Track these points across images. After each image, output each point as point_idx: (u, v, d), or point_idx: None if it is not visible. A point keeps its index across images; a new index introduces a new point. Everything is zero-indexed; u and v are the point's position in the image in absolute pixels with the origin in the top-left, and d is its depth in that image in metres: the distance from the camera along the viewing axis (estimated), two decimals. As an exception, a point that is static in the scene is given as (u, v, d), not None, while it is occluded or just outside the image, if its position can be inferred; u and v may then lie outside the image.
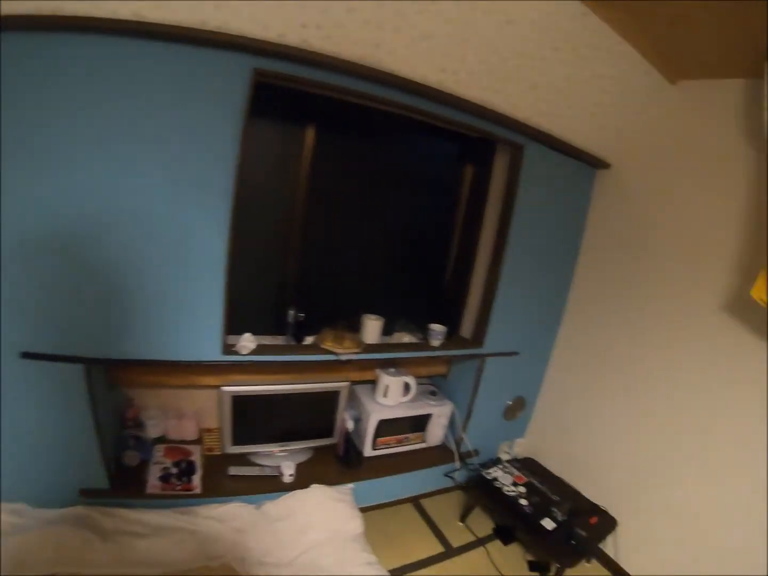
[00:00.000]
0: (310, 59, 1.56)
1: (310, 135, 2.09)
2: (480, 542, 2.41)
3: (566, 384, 2.71)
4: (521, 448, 2.92)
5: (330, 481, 2.18)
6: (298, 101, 1.87)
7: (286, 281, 2.25)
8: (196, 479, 2.02)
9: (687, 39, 1.76)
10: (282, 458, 2.23)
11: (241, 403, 2.06)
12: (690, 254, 2.12)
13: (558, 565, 2.12)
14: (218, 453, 2.19)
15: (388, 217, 2.44)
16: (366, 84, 1.72)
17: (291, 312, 2.12)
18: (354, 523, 2.06)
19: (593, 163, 2.43)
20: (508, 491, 2.35)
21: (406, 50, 1.64)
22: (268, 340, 2.08)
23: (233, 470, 2.13)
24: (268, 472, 2.17)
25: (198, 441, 2.23)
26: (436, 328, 2.33)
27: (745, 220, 1.93)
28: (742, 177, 1.94)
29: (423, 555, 2.26)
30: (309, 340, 2.11)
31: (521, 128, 2.08)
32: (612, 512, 2.36)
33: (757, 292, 1.62)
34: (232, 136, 1.58)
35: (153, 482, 1.95)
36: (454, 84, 1.80)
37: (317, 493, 2.10)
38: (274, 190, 2.13)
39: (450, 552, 2.32)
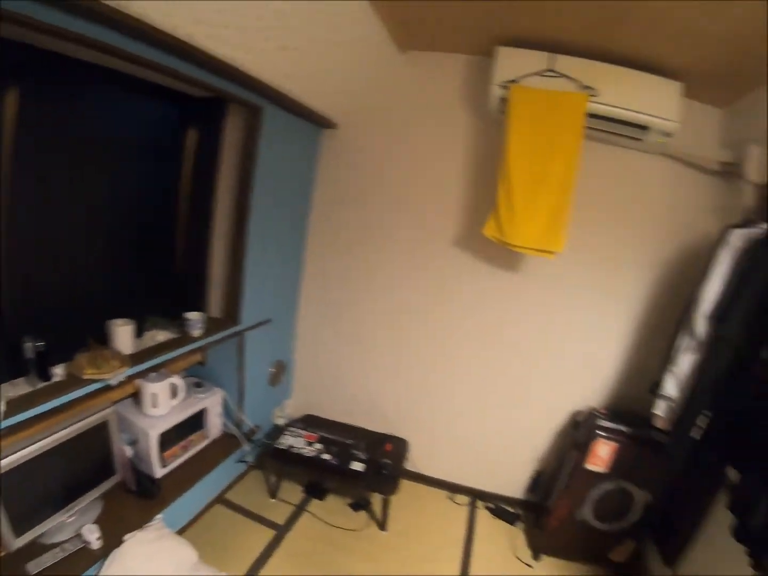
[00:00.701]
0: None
1: (11, 101, 1.54)
2: (300, 509, 2.48)
3: (320, 334, 2.86)
4: (292, 408, 2.98)
5: (137, 523, 1.85)
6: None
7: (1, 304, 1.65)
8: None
9: (422, 12, 1.95)
10: (76, 524, 1.76)
11: (5, 483, 1.50)
12: (418, 202, 2.53)
13: (382, 495, 2.39)
14: (4, 554, 1.56)
15: (107, 197, 1.96)
16: (107, 33, 1.34)
17: (28, 344, 1.61)
18: (186, 553, 1.87)
19: (324, 123, 2.48)
20: (308, 452, 2.43)
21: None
22: (7, 390, 1.54)
23: (33, 566, 1.57)
24: (72, 547, 1.68)
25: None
26: (193, 316, 2.15)
27: (468, 176, 2.43)
28: (465, 138, 2.41)
29: (260, 546, 2.22)
30: (59, 372, 1.66)
31: (263, 90, 1.96)
32: (400, 434, 2.74)
33: (489, 232, 2.13)
34: None
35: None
36: (206, 39, 1.56)
37: (133, 546, 1.76)
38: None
39: (281, 531, 2.33)
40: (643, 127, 1.98)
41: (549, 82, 1.96)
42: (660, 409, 1.87)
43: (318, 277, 2.80)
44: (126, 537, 1.78)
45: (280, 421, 2.85)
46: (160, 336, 2.09)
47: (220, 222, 2.28)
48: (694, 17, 1.55)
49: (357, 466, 2.40)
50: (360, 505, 2.54)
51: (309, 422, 2.77)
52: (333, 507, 2.53)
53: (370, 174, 2.59)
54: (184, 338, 2.11)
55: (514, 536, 2.52)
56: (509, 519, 2.61)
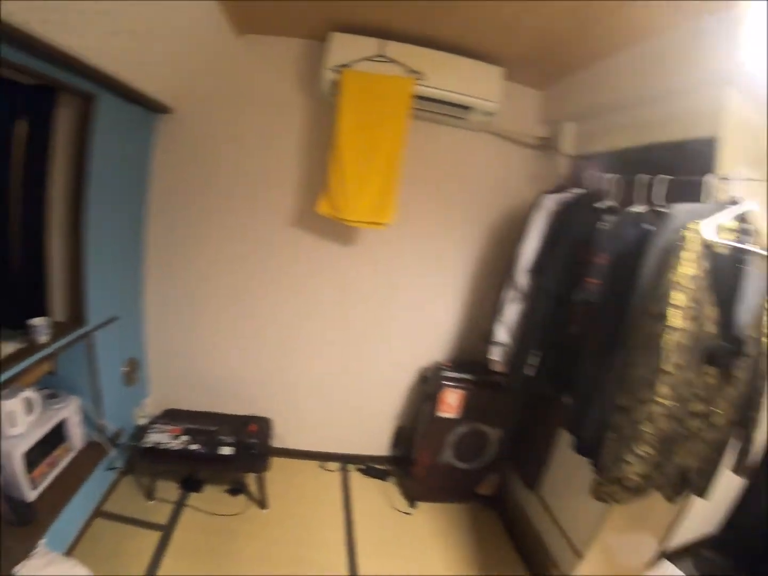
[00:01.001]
0: None
1: None
2: (180, 505, 2.46)
3: (170, 326, 2.77)
4: (153, 405, 2.88)
5: (22, 553, 1.69)
6: None
7: None
8: None
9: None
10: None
11: None
12: (257, 183, 2.54)
13: (256, 475, 2.47)
14: None
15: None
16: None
17: None
18: (79, 572, 1.80)
19: (159, 109, 2.39)
20: (175, 446, 2.42)
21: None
22: None
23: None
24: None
25: None
26: (38, 321, 1.96)
27: (305, 157, 2.50)
28: (300, 120, 2.47)
29: (150, 550, 2.16)
30: None
31: (95, 76, 1.84)
32: (264, 414, 2.78)
33: (323, 209, 2.24)
34: None
35: None
36: (36, 24, 1.42)
37: (23, 577, 1.62)
38: None
39: (167, 530, 2.30)
40: (466, 108, 2.20)
41: (379, 67, 2.09)
42: (495, 354, 2.15)
43: (162, 267, 2.67)
44: (15, 570, 1.63)
45: (143, 421, 2.72)
46: (6, 348, 1.88)
47: (57, 219, 2.06)
48: (515, 12, 1.77)
49: (225, 450, 2.42)
50: (237, 489, 2.57)
51: (171, 416, 2.70)
52: (211, 496, 2.52)
53: (208, 160, 2.52)
54: (31, 347, 1.89)
55: (389, 491, 2.75)
56: (381, 476, 2.83)
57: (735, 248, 1.44)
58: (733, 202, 1.51)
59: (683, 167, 1.68)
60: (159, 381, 2.86)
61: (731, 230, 1.46)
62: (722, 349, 1.40)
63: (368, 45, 2.10)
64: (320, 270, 2.66)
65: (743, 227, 1.50)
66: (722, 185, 1.60)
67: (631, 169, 1.78)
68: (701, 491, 1.67)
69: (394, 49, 2.10)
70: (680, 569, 2.30)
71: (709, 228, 1.36)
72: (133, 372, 2.67)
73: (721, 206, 1.49)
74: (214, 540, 2.25)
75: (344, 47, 2.09)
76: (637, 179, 1.71)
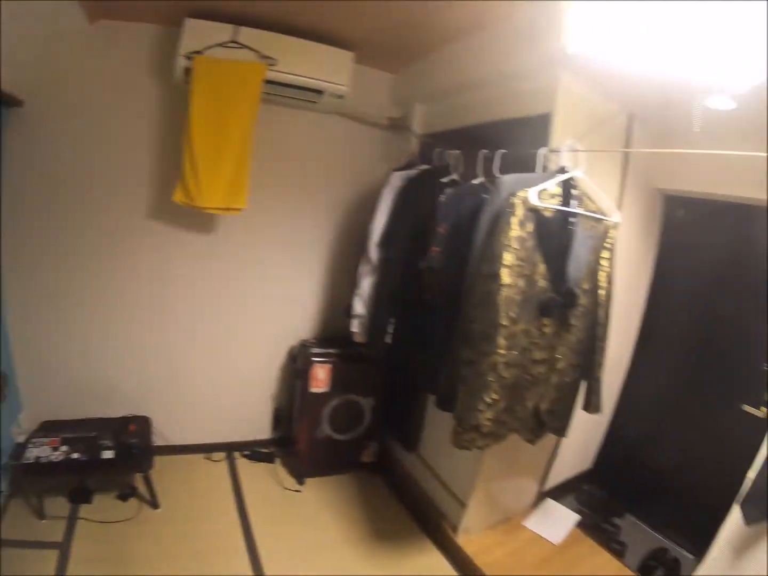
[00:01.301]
0: None
1: None
2: (73, 519, 2.34)
3: (37, 334, 2.58)
4: (29, 420, 2.63)
5: None
6: None
7: None
8: None
9: None
10: None
11: None
12: (114, 176, 2.42)
13: (142, 475, 2.42)
14: None
15: None
16: None
17: None
18: None
19: (9, 102, 2.16)
20: (56, 458, 2.34)
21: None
22: None
23: None
24: None
25: None
26: None
27: (161, 147, 2.42)
28: (156, 109, 2.38)
29: (51, 570, 1.97)
30: None
31: None
32: (143, 413, 2.67)
33: (178, 197, 2.20)
34: None
35: None
36: None
37: None
38: None
39: (64, 547, 2.15)
40: (318, 92, 2.26)
41: (233, 53, 2.09)
42: (355, 326, 2.26)
43: (20, 272, 2.46)
44: None
45: (21, 438, 2.53)
46: None
47: None
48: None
49: (107, 454, 2.35)
50: (126, 493, 2.49)
51: (49, 428, 2.55)
52: (102, 505, 2.43)
53: (63, 154, 2.36)
54: None
55: (277, 472, 2.79)
56: (267, 459, 2.86)
57: (561, 211, 1.62)
58: (562, 171, 1.69)
59: (525, 142, 1.85)
60: (32, 393, 2.67)
61: (556, 195, 1.63)
62: (554, 302, 1.58)
63: (222, 31, 2.09)
64: (184, 260, 2.60)
65: (571, 193, 1.69)
66: (553, 156, 1.78)
67: (477, 145, 1.92)
68: (558, 430, 1.88)
69: (247, 35, 2.10)
70: (563, 504, 2.57)
71: (534, 194, 1.51)
72: (2, 387, 2.49)
73: (550, 175, 1.67)
74: (113, 548, 2.19)
75: (198, 34, 2.07)
76: (480, 154, 1.86)
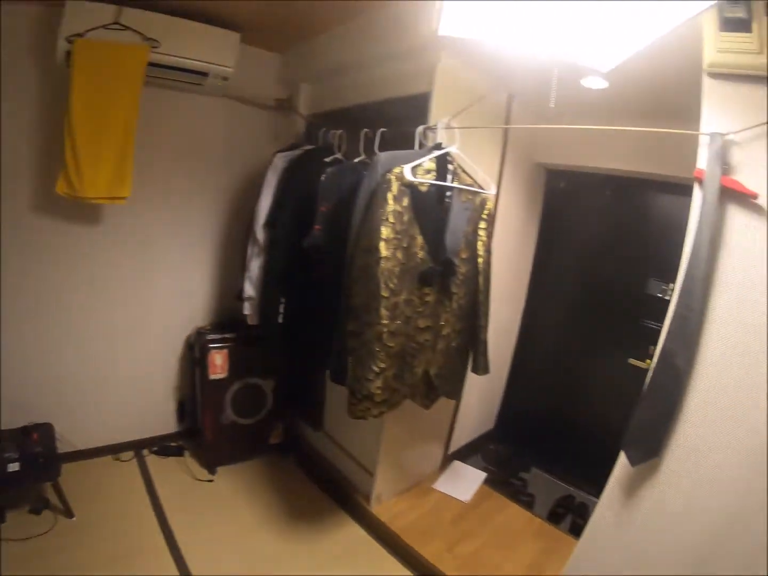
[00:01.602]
0: None
1: None
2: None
3: None
4: None
5: None
6: None
7: None
8: None
9: None
10: None
11: None
12: None
13: (51, 484, 2.29)
14: None
15: None
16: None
17: None
18: None
19: None
20: None
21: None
22: None
23: None
24: None
25: None
26: None
27: (42, 136, 2.25)
28: (38, 96, 2.20)
29: None
30: None
31: None
32: (42, 420, 2.46)
33: (61, 188, 2.08)
34: None
35: None
36: None
37: None
38: None
39: None
40: (203, 74, 2.21)
41: (115, 35, 1.99)
42: (247, 309, 2.25)
43: None
44: None
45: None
46: None
47: None
48: None
49: (13, 467, 2.21)
50: (39, 506, 2.36)
51: None
52: (17, 521, 2.28)
53: None
54: None
55: (188, 464, 2.75)
56: (176, 452, 2.81)
57: (437, 185, 1.70)
58: (437, 147, 1.76)
59: (408, 121, 1.90)
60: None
61: (432, 171, 1.71)
62: (433, 271, 1.66)
63: (105, 12, 1.97)
64: (72, 255, 2.46)
65: (447, 168, 1.78)
66: (430, 134, 1.86)
67: (361, 125, 1.96)
68: (450, 393, 1.99)
69: (130, 15, 2.00)
70: (469, 464, 2.74)
71: (409, 170, 1.57)
72: None
73: (426, 151, 1.74)
74: (34, 565, 2.06)
75: (80, 15, 1.94)
76: (362, 133, 1.90)
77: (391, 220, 1.53)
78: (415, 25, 1.82)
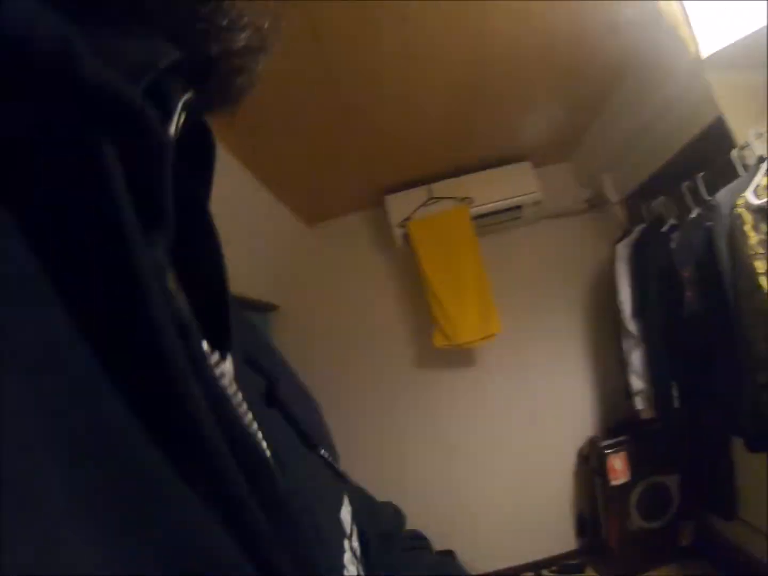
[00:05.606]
0: None
1: None
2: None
3: None
4: None
5: None
6: None
7: None
8: None
9: (315, 191, 2.39)
10: None
11: None
12: (370, 344, 2.77)
13: None
14: None
15: None
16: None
17: None
18: None
19: (267, 308, 2.62)
20: None
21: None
22: None
23: None
24: None
25: None
26: None
27: (400, 306, 2.79)
28: (386, 276, 2.77)
29: None
30: None
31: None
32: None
33: (439, 342, 2.46)
34: None
35: None
36: None
37: None
38: None
39: None
40: (518, 207, 2.48)
41: (435, 207, 2.45)
42: (639, 404, 2.14)
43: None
44: None
45: None
46: None
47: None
48: (516, 115, 2.14)
49: None
50: None
51: None
52: None
53: (321, 338, 2.78)
54: None
55: None
56: (577, 570, 2.64)
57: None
58: (761, 161, 1.58)
59: (713, 153, 1.77)
60: None
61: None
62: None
63: (419, 193, 2.44)
64: (452, 398, 2.78)
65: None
66: (747, 152, 1.68)
67: (674, 183, 1.94)
68: None
69: (440, 188, 2.43)
70: None
71: (751, 194, 1.47)
72: None
73: (754, 170, 1.58)
74: None
75: (400, 204, 2.44)
76: (683, 187, 1.87)
77: (761, 251, 1.42)
78: (673, 66, 1.79)
